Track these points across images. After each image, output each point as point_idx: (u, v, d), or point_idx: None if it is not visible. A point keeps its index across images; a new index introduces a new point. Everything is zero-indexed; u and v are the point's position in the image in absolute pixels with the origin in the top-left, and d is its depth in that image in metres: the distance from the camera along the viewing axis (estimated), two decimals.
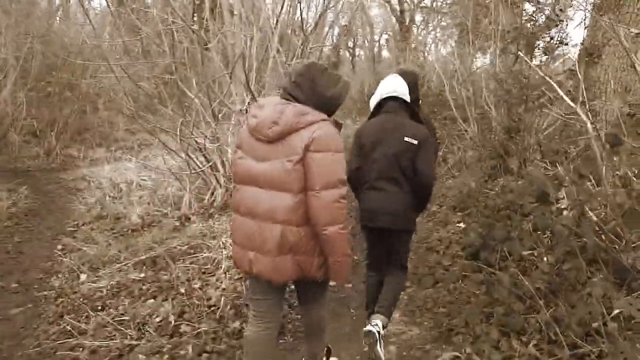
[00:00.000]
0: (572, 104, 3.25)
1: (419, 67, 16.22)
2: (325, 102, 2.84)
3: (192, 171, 7.68)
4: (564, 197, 3.67)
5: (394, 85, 3.88)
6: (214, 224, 6.97)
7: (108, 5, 7.49)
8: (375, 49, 28.84)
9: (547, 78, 3.57)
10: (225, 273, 5.39)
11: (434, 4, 23.64)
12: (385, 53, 29.13)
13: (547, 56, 6.44)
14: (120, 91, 9.78)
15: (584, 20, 6.70)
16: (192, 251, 6.06)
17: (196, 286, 5.19)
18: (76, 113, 14.37)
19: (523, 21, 6.50)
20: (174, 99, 7.21)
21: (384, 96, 3.88)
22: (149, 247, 6.48)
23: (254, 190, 2.80)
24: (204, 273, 5.53)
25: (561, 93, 3.29)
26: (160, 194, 8.84)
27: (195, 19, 7.80)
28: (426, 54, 20.52)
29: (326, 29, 8.36)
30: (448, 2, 21.20)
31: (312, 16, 8.52)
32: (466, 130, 9.50)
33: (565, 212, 3.61)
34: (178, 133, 5.75)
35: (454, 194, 7.11)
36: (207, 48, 6.34)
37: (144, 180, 9.98)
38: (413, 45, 22.72)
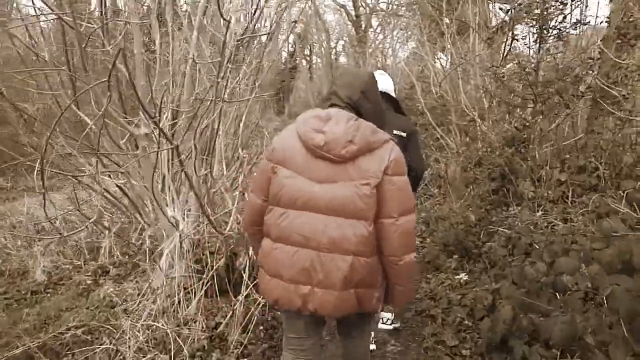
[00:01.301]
0: None
1: (381, 69, 14.56)
2: (380, 119, 2.48)
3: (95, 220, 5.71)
4: None
5: (380, 82, 3.46)
6: (131, 282, 5.00)
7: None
8: (333, 56, 27.07)
9: None
10: None
11: (390, 7, 21.93)
12: (342, 59, 27.40)
13: (561, 41, 4.71)
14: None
15: None
16: (88, 337, 4.08)
17: None
18: (7, 137, 12.01)
19: None
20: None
21: None
22: (40, 326, 4.51)
23: (315, 217, 2.29)
24: None
25: None
26: (77, 237, 6.83)
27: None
28: (385, 57, 18.80)
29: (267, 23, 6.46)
30: (404, 2, 19.44)
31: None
32: (441, 137, 7.70)
33: None
34: (39, 166, 3.78)
35: (443, 227, 5.23)
36: (104, 50, 4.37)
37: (71, 214, 7.86)
38: (370, 50, 21.29)
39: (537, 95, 4.42)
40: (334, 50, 28.04)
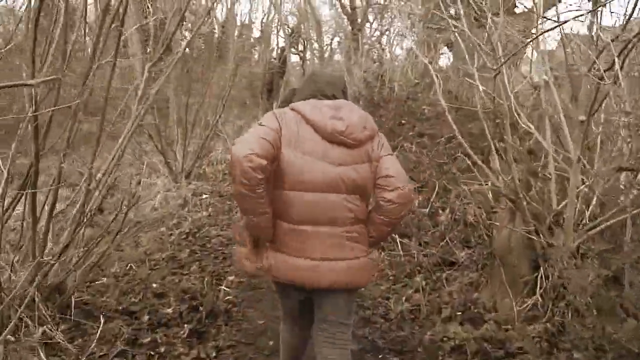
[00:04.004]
0: None
1: (378, 63, 11.52)
2: None
3: None
4: None
5: None
6: None
7: None
8: (327, 52, 23.71)
9: None
10: None
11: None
12: (337, 56, 24.02)
13: None
14: None
15: None
16: None
17: None
18: None
19: None
20: None
21: None
22: None
23: (339, 197, 2.26)
24: None
25: None
26: None
27: None
28: (384, 51, 15.58)
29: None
30: None
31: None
32: (473, 162, 4.43)
33: None
34: None
35: None
36: None
37: None
38: (367, 47, 18.07)
39: None
40: (328, 47, 24.72)
